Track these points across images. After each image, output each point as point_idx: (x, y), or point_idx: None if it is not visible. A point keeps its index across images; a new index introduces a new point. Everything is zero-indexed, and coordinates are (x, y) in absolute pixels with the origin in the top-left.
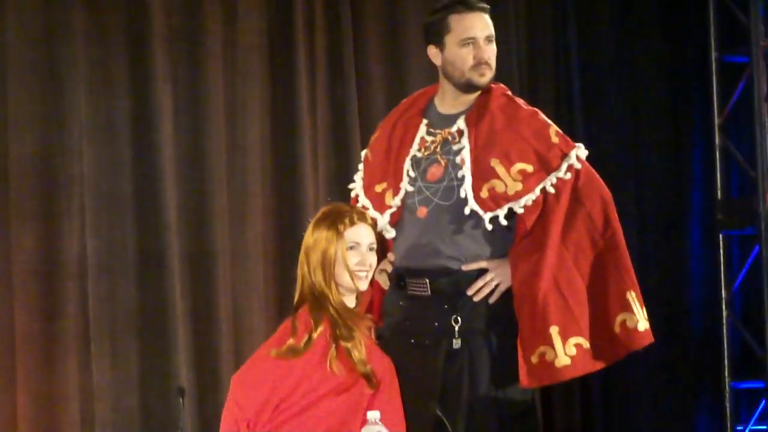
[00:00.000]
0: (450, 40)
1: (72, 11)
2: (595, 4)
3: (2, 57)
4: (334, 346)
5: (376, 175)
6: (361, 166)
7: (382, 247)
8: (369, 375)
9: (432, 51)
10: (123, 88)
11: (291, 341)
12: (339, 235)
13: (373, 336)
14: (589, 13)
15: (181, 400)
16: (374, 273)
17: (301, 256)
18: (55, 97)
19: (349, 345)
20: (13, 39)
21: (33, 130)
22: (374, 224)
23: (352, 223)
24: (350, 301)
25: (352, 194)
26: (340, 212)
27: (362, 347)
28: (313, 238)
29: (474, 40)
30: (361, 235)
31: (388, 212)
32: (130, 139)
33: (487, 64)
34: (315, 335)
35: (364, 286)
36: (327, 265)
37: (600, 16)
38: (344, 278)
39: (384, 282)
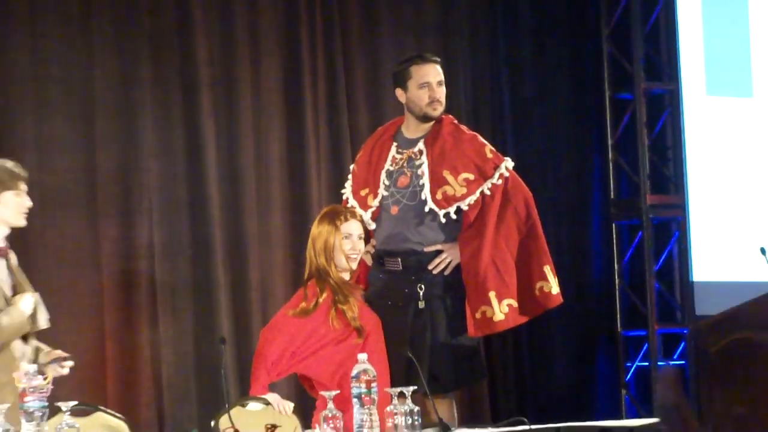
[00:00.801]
0: (411, 84)
1: (141, 65)
2: (521, 54)
3: (92, 98)
4: (334, 308)
5: (361, 183)
6: (350, 176)
7: (367, 236)
8: (359, 329)
9: (399, 92)
10: (178, 120)
11: (303, 304)
12: (336, 228)
13: (362, 299)
14: (516, 60)
15: (222, 347)
16: (361, 255)
17: (309, 244)
18: (129, 127)
19: (344, 307)
20: (100, 86)
21: (114, 151)
22: (362, 220)
23: (346, 220)
24: (346, 276)
25: (344, 197)
26: (337, 211)
27: (355, 308)
28: (318, 230)
29: (428, 84)
30: (352, 228)
31: (370, 210)
32: (184, 157)
33: (438, 101)
34: (320, 300)
35: (355, 265)
36: (328, 251)
37: (524, 63)
38: (341, 260)
39: (368, 260)
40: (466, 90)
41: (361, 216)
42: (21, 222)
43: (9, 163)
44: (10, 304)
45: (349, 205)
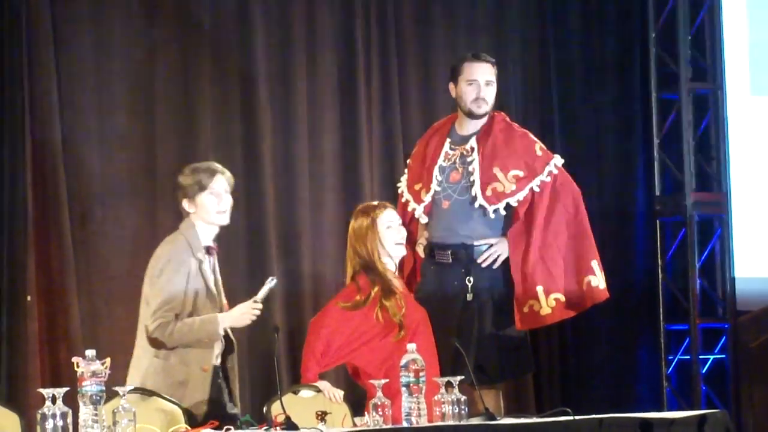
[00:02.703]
0: (461, 80)
1: (200, 60)
2: (570, 57)
3: (152, 93)
4: (379, 303)
5: (415, 177)
6: (406, 170)
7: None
8: (401, 324)
9: (451, 86)
10: (236, 114)
11: (358, 297)
12: (374, 222)
13: (407, 292)
14: (565, 60)
15: (276, 336)
16: (415, 247)
17: (349, 242)
18: (189, 121)
19: (388, 303)
20: (160, 82)
21: (173, 143)
22: (395, 209)
23: (382, 212)
24: (391, 266)
25: (399, 190)
26: (371, 206)
27: (401, 302)
28: (357, 226)
29: (476, 81)
30: (392, 216)
31: (423, 204)
32: (242, 150)
33: (483, 99)
34: (372, 294)
35: (404, 251)
36: (373, 247)
37: (572, 63)
38: (386, 250)
39: (421, 253)
40: (516, 89)
41: (393, 206)
42: (221, 220)
43: (205, 164)
44: (215, 302)
45: (403, 200)
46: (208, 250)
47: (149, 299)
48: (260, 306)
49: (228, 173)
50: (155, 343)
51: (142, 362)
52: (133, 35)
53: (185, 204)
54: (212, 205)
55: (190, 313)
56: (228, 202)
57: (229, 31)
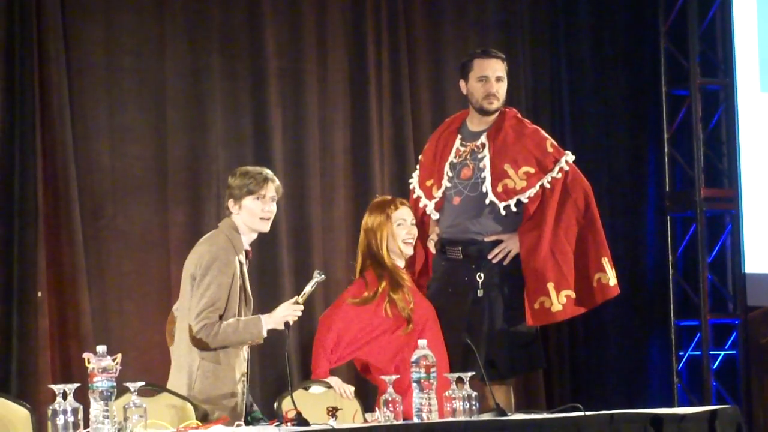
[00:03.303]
0: (472, 76)
1: (211, 56)
2: (580, 50)
3: (163, 89)
4: (388, 297)
5: (427, 174)
6: (418, 167)
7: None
8: (409, 319)
9: (462, 83)
10: (247, 110)
11: (366, 293)
12: (388, 217)
13: (416, 287)
14: (575, 56)
15: (286, 331)
16: (426, 242)
17: (361, 235)
18: (199, 116)
19: (396, 297)
20: (171, 77)
21: (184, 139)
22: (411, 207)
23: (396, 208)
24: (400, 263)
25: (411, 186)
26: (386, 201)
27: (409, 296)
28: (370, 220)
29: (487, 77)
30: (405, 214)
31: (434, 201)
32: (252, 146)
33: (494, 95)
34: (380, 289)
35: (411, 250)
36: (383, 240)
37: (583, 60)
38: (396, 248)
39: (432, 249)
40: (527, 84)
41: (409, 203)
42: (263, 227)
43: (258, 169)
44: (251, 305)
45: (414, 196)
46: (246, 254)
47: (192, 299)
48: (302, 306)
49: (278, 182)
50: (199, 343)
51: (189, 363)
52: (143, 31)
53: (230, 204)
54: (257, 210)
55: (231, 315)
56: (273, 210)
57: (239, 26)
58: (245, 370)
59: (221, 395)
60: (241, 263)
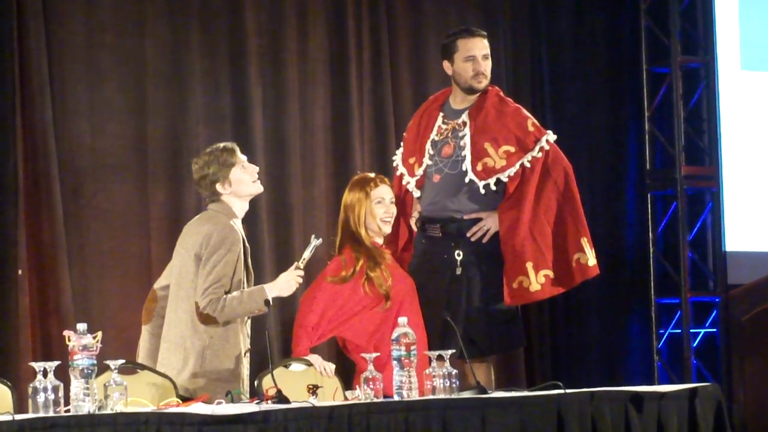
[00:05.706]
0: (457, 57)
1: (191, 34)
2: (560, 28)
3: (143, 67)
4: (365, 276)
5: (409, 151)
6: (401, 144)
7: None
8: (387, 295)
9: (446, 64)
10: (227, 88)
11: (344, 273)
12: (368, 195)
13: (395, 263)
14: (555, 34)
15: (267, 309)
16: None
17: (341, 212)
18: (179, 94)
19: (373, 274)
20: (150, 54)
21: (163, 117)
22: (391, 185)
23: (376, 185)
24: (379, 241)
25: (394, 164)
26: (367, 179)
27: (386, 274)
28: (350, 197)
29: (474, 57)
30: (384, 192)
31: (415, 178)
32: (232, 124)
33: (483, 74)
34: (358, 267)
35: (389, 229)
36: (361, 216)
37: (563, 36)
38: (374, 225)
39: (414, 226)
40: (507, 62)
41: (390, 181)
42: (257, 188)
43: (214, 147)
44: (251, 276)
45: (398, 173)
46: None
47: (198, 277)
48: (302, 272)
49: (235, 145)
50: (207, 319)
51: (194, 342)
52: (123, 8)
53: (218, 187)
54: (246, 177)
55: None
56: (256, 168)
57: (219, 4)
58: (249, 347)
59: (227, 371)
60: (244, 240)
